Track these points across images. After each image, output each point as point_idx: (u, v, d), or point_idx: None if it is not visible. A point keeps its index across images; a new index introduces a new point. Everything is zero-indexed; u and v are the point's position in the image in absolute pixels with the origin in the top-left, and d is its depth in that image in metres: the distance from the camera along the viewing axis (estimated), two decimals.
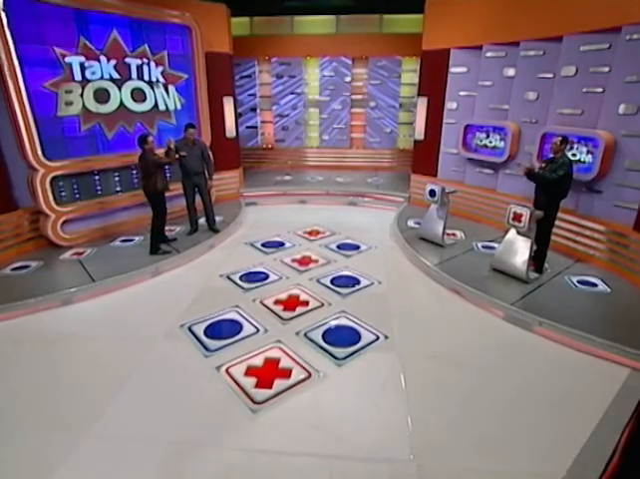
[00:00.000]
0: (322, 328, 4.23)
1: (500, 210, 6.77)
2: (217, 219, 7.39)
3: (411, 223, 7.17)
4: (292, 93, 10.82)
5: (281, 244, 6.61)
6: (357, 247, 6.49)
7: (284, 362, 3.70)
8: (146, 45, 6.49)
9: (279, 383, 3.43)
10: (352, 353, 3.83)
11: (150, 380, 3.53)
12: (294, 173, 10.53)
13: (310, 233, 7.12)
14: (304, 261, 5.93)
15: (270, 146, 11.21)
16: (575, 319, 4.13)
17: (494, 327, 4.34)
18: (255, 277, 5.41)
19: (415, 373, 3.59)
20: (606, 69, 5.29)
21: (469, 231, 6.77)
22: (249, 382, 3.45)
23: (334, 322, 4.34)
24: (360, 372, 3.61)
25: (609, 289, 4.81)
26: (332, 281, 5.29)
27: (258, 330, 4.21)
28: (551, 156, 4.91)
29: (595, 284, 4.94)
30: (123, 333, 4.22)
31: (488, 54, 6.73)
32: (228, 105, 8.27)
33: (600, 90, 5.39)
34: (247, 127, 11.14)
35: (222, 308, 4.62)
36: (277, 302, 4.76)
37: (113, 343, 4.06)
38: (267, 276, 5.44)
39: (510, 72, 6.54)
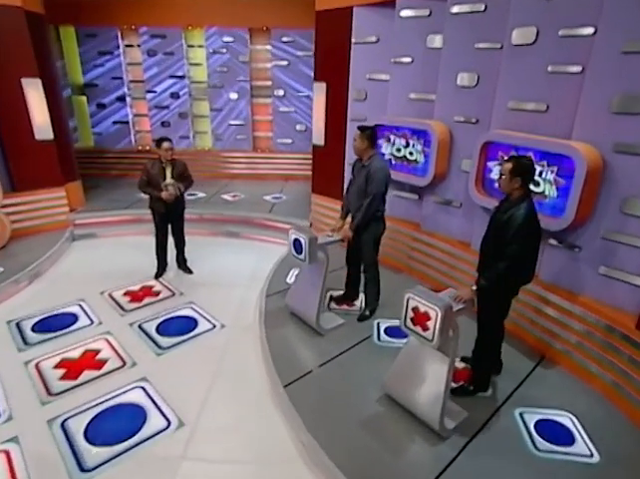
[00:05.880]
0: None
1: (426, 257, 4.44)
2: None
3: (293, 276, 4.69)
4: (172, 76, 8.04)
5: (71, 322, 3.98)
6: (193, 327, 3.97)
7: None
8: None
9: None
10: None
11: None
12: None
13: (135, 293, 4.54)
14: (78, 366, 3.35)
15: (148, 147, 8.44)
16: None
17: None
18: None
19: None
20: (589, 30, 2.94)
21: None
22: None
23: None
24: None
25: (598, 455, 2.49)
26: (90, 425, 2.74)
27: None
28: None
29: (571, 438, 2.61)
30: None
31: (404, 13, 4.26)
32: (34, 91, 5.48)
33: (577, 69, 3.05)
34: (115, 122, 8.30)
35: None
36: None
37: None
38: None
39: (437, 41, 4.13)
